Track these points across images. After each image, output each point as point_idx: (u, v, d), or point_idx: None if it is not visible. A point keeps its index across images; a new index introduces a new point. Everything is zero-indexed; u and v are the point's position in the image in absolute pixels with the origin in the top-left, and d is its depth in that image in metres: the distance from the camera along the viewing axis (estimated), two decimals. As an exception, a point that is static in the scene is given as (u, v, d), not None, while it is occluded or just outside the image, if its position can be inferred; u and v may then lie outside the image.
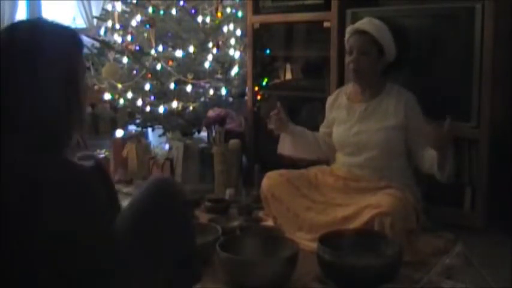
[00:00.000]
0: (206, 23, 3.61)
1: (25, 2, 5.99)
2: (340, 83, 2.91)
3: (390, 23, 2.46)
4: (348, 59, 2.50)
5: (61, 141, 1.21)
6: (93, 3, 6.44)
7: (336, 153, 2.62)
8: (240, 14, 3.70)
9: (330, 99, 2.68)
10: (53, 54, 1.19)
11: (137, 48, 3.52)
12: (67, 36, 1.26)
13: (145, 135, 4.06)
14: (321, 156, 2.71)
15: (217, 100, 3.63)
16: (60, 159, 1.19)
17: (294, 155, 2.70)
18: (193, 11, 3.63)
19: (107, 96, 3.65)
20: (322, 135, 2.69)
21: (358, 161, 2.47)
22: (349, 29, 2.53)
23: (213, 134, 3.29)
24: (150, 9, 3.53)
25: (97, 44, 3.97)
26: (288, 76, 3.47)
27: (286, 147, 2.69)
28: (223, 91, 3.60)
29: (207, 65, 3.52)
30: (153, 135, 4.16)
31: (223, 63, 3.64)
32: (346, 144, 2.53)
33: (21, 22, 1.30)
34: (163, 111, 3.52)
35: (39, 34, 1.21)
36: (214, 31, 3.61)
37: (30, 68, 1.17)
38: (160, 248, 1.29)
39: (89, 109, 5.46)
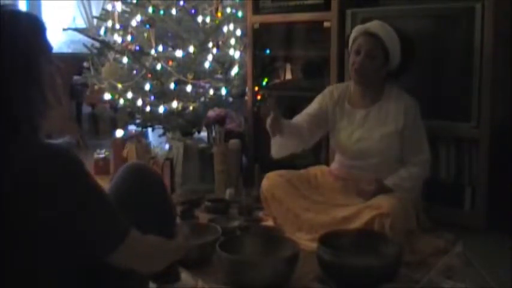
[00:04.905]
0: (206, 23, 3.61)
1: (25, 2, 5.98)
2: (340, 83, 2.90)
3: (398, 32, 2.40)
4: (352, 58, 2.44)
5: (25, 127, 1.19)
6: (93, 3, 6.44)
7: (335, 154, 2.62)
8: (240, 14, 3.70)
9: (337, 90, 2.58)
10: (4, 40, 1.18)
11: (137, 48, 3.52)
12: (24, 21, 1.23)
13: (145, 135, 4.06)
14: (305, 148, 2.64)
15: (217, 100, 3.63)
16: (30, 143, 1.18)
17: (285, 154, 2.60)
18: (193, 11, 3.63)
19: (107, 96, 3.65)
20: (302, 120, 2.55)
21: (359, 164, 2.46)
22: (358, 28, 2.48)
23: (213, 134, 3.29)
24: (150, 9, 3.52)
25: (97, 44, 3.96)
26: (288, 76, 3.46)
27: (278, 150, 2.56)
28: (223, 91, 3.60)
29: (207, 65, 3.52)
30: (153, 135, 4.16)
31: (223, 63, 3.64)
32: (347, 151, 2.51)
33: None
34: (163, 111, 3.51)
35: None
36: (214, 31, 3.61)
37: None
38: (143, 223, 1.31)
39: (88, 109, 5.46)
